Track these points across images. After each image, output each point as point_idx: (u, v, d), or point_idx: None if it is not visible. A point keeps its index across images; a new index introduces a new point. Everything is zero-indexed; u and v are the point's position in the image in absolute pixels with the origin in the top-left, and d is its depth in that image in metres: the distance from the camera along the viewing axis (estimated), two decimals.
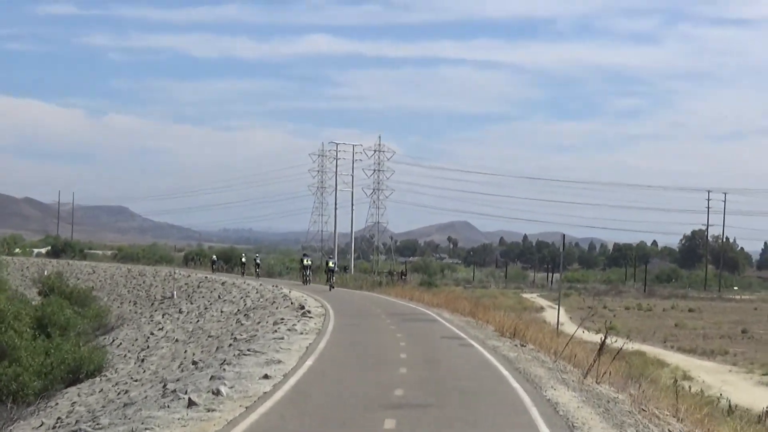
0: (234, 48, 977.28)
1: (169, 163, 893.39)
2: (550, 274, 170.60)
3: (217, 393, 20.39)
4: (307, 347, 29.75)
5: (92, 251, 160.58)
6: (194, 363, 31.31)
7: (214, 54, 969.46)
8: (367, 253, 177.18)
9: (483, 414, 19.12)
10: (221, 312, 57.19)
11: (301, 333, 34.29)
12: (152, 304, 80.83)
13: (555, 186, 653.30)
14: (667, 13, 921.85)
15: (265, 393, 20.77)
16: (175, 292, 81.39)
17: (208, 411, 18.70)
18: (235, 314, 53.17)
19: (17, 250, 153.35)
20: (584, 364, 29.92)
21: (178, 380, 26.61)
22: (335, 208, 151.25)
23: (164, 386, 26.21)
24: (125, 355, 53.55)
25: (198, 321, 56.74)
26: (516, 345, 33.85)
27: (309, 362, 26.11)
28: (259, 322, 42.40)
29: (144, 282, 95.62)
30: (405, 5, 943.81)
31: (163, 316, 67.36)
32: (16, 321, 50.17)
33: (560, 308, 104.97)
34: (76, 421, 27.79)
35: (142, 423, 17.89)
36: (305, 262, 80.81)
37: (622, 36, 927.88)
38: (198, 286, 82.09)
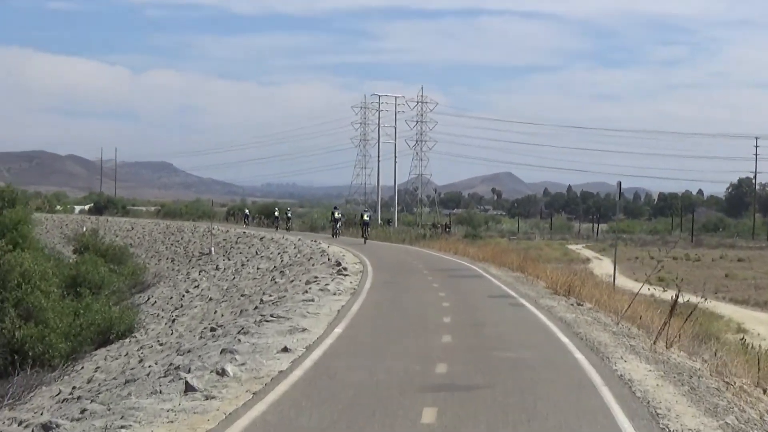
0: (274, 2, 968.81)
1: (212, 119, 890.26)
2: (595, 225, 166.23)
3: (222, 373, 16.65)
4: (338, 311, 26.00)
5: (135, 207, 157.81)
6: (213, 330, 27.67)
7: (254, 9, 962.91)
8: (411, 205, 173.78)
9: (544, 398, 15.31)
10: (257, 269, 54.29)
11: (334, 294, 30.54)
12: (190, 260, 78.03)
13: (599, 135, 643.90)
14: None
15: (280, 372, 17.02)
16: (212, 248, 78.41)
17: (207, 399, 14.99)
18: (271, 271, 50.09)
19: (58, 207, 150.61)
20: (649, 324, 26.23)
21: (189, 351, 23.02)
22: (378, 161, 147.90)
23: (177, 355, 22.83)
24: (158, 315, 51.00)
25: (234, 278, 53.98)
26: (572, 304, 29.96)
27: (338, 330, 22.35)
28: (292, 281, 38.91)
29: (182, 238, 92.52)
30: None
31: (199, 273, 64.73)
32: (42, 281, 47.83)
33: (607, 259, 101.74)
34: (78, 398, 24.43)
35: (122, 417, 14.20)
36: (336, 215, 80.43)
37: None
38: (236, 242, 78.92)
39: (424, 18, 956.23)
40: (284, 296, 31.45)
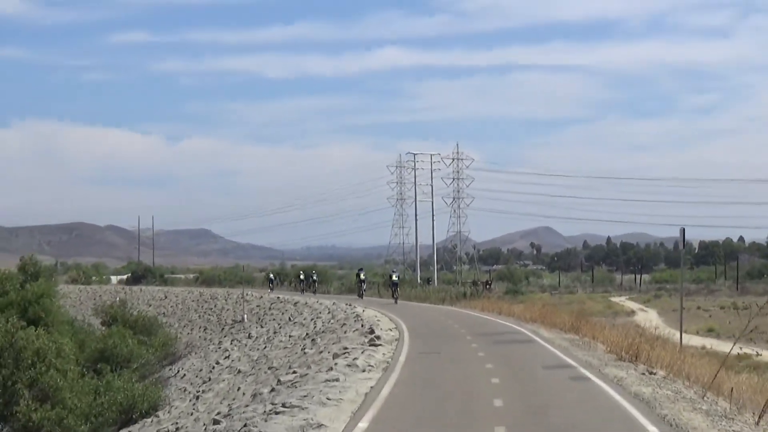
0: (307, 66, 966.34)
1: (249, 184, 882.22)
2: (637, 276, 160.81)
3: None
4: (365, 395, 21.00)
5: (174, 275, 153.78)
6: (216, 423, 22.75)
7: (287, 73, 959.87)
8: (450, 263, 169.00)
9: None
10: (289, 337, 49.86)
11: (363, 370, 25.51)
12: (222, 329, 73.81)
13: (635, 185, 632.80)
14: (739, 6, 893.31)
15: None
16: (245, 315, 74.09)
17: None
18: (303, 339, 45.69)
19: (94, 278, 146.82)
20: (737, 394, 21.23)
21: None
22: (415, 219, 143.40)
23: None
24: (185, 389, 47.42)
25: (265, 347, 49.70)
26: (643, 373, 24.74)
27: (362, 424, 17.28)
28: (321, 352, 34.11)
29: (215, 306, 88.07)
30: (475, 13, 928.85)
31: (231, 342, 60.91)
32: (58, 358, 44.19)
33: (653, 311, 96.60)
34: None
35: None
36: (361, 276, 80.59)
37: (693, 31, 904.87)
38: (269, 308, 74.50)
39: (455, 76, 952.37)
40: (306, 374, 26.50)
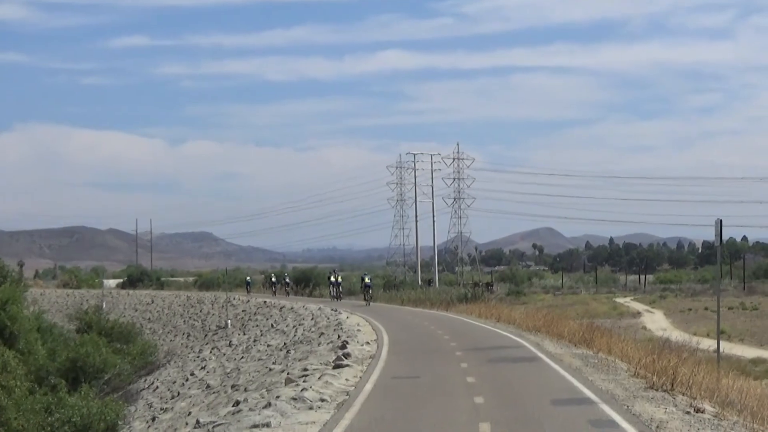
0: (308, 69, 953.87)
1: (251, 187, 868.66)
2: (642, 276, 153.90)
3: None
4: None
5: (172, 279, 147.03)
6: None
7: (288, 76, 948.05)
8: (452, 264, 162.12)
9: None
10: (267, 346, 44.30)
11: (311, 407, 18.47)
12: (206, 335, 68.02)
13: (638, 185, 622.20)
14: (740, 7, 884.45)
15: None
16: (229, 321, 68.18)
17: None
18: (280, 349, 39.72)
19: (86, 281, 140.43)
20: None
21: None
22: (416, 221, 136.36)
23: None
24: (152, 405, 41.98)
25: (242, 358, 43.88)
26: (688, 411, 17.57)
27: None
28: (283, 371, 27.41)
29: (201, 311, 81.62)
30: (476, 16, 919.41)
31: (211, 350, 55.13)
32: (3, 374, 38.53)
33: (659, 312, 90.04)
34: None
35: None
36: (334, 278, 78.50)
37: (695, 33, 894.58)
38: (255, 313, 68.46)
39: (457, 78, 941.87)
40: (240, 411, 19.52)
